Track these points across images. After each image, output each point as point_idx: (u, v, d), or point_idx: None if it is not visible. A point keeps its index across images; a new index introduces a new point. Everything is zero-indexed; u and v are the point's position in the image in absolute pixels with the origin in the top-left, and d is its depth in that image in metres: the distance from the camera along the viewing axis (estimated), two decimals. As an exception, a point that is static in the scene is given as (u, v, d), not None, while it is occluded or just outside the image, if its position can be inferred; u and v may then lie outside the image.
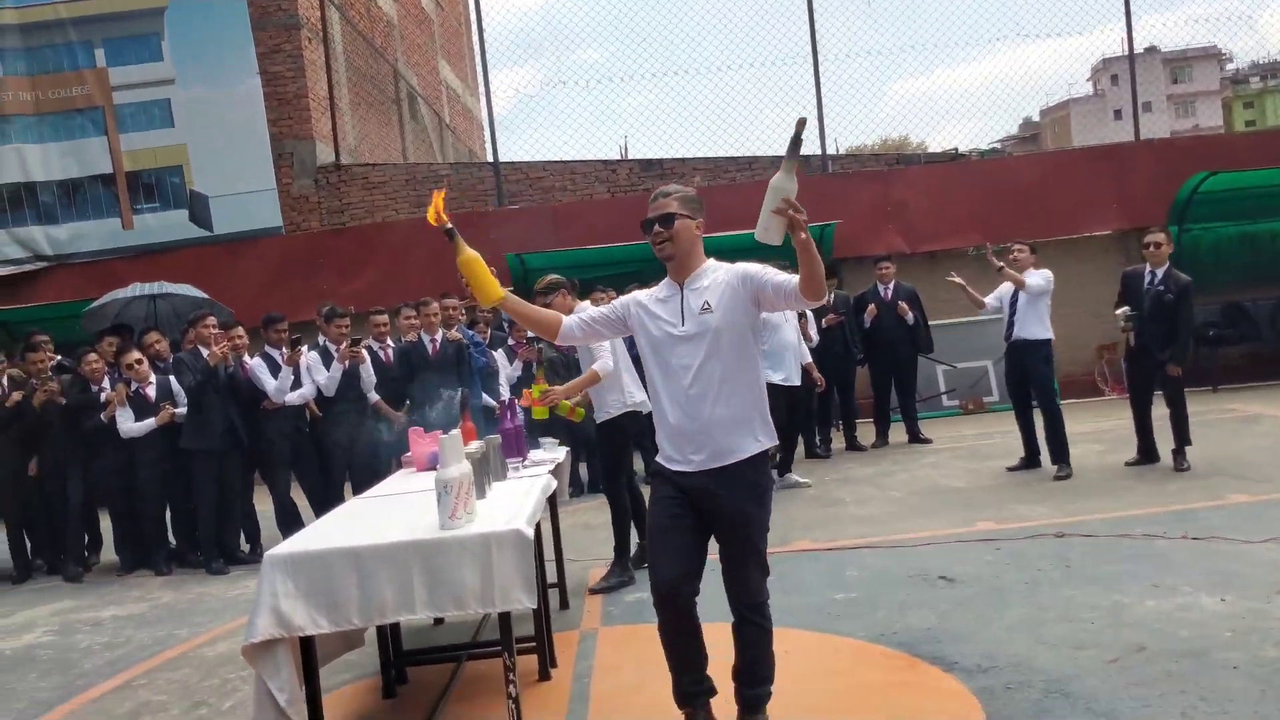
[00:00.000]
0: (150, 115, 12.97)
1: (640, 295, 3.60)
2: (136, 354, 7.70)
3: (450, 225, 3.59)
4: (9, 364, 8.13)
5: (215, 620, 5.91)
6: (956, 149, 14.25)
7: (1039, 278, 7.78)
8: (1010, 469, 8.08)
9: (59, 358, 8.44)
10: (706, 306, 3.41)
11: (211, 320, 7.90)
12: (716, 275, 3.52)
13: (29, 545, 8.01)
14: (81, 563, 7.76)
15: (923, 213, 12.72)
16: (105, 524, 8.02)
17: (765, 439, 3.36)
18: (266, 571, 3.35)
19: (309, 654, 3.46)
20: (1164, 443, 7.58)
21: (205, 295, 9.89)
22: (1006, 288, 7.99)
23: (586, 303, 5.70)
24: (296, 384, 7.66)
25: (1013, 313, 7.92)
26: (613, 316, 3.59)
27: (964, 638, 4.27)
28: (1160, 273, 7.38)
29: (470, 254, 3.57)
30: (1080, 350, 12.36)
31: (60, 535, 7.86)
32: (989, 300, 8.05)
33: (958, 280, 8.03)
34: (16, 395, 7.66)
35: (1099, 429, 9.78)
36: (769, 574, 3.48)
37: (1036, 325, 7.84)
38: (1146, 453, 7.71)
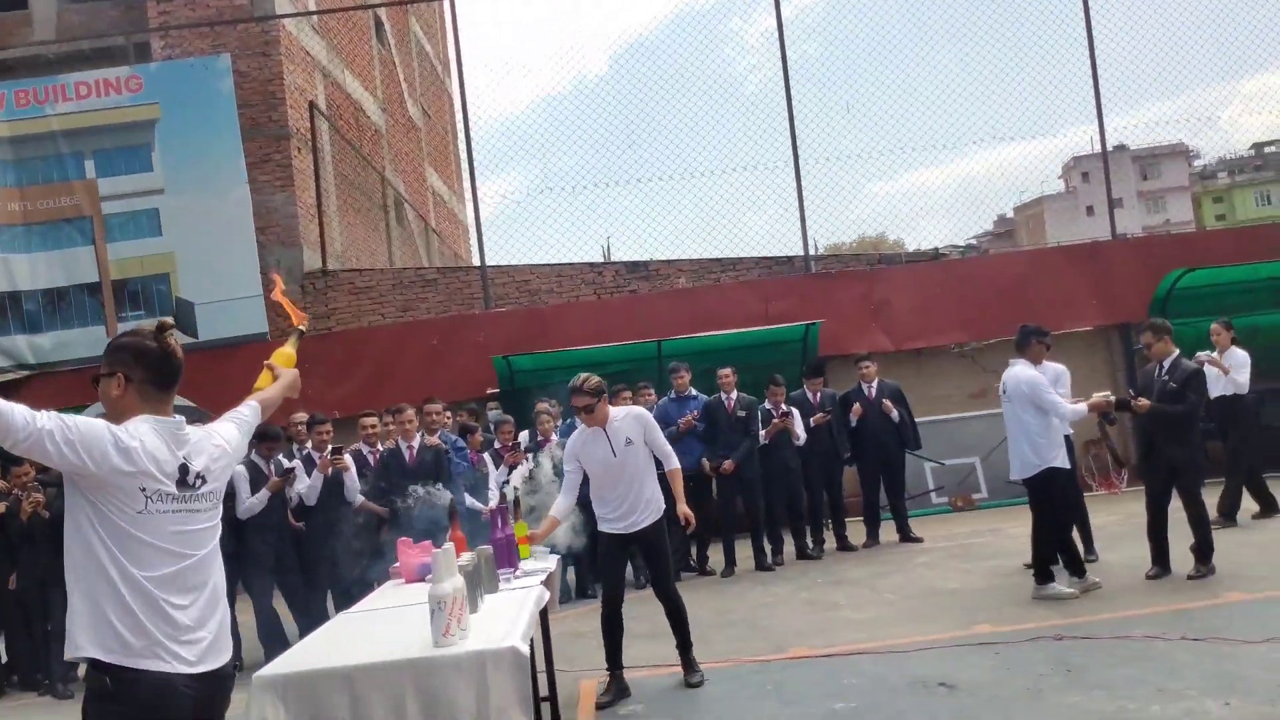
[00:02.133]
0: (139, 224, 13.06)
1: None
2: None
3: (301, 328, 3.95)
4: None
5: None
6: (937, 249, 14.49)
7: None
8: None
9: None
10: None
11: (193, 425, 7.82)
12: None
13: (5, 660, 7.80)
14: (66, 679, 7.54)
15: (906, 311, 12.87)
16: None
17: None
18: (256, 694, 3.27)
19: (297, 781, 3.34)
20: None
21: (191, 403, 9.82)
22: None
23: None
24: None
25: None
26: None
27: (969, 749, 4.17)
28: (1168, 363, 7.32)
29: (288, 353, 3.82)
30: (1066, 445, 12.38)
31: (40, 650, 7.64)
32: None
33: None
34: (0, 506, 7.55)
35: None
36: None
37: None
38: (1161, 560, 7.20)
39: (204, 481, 2.86)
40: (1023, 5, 23.12)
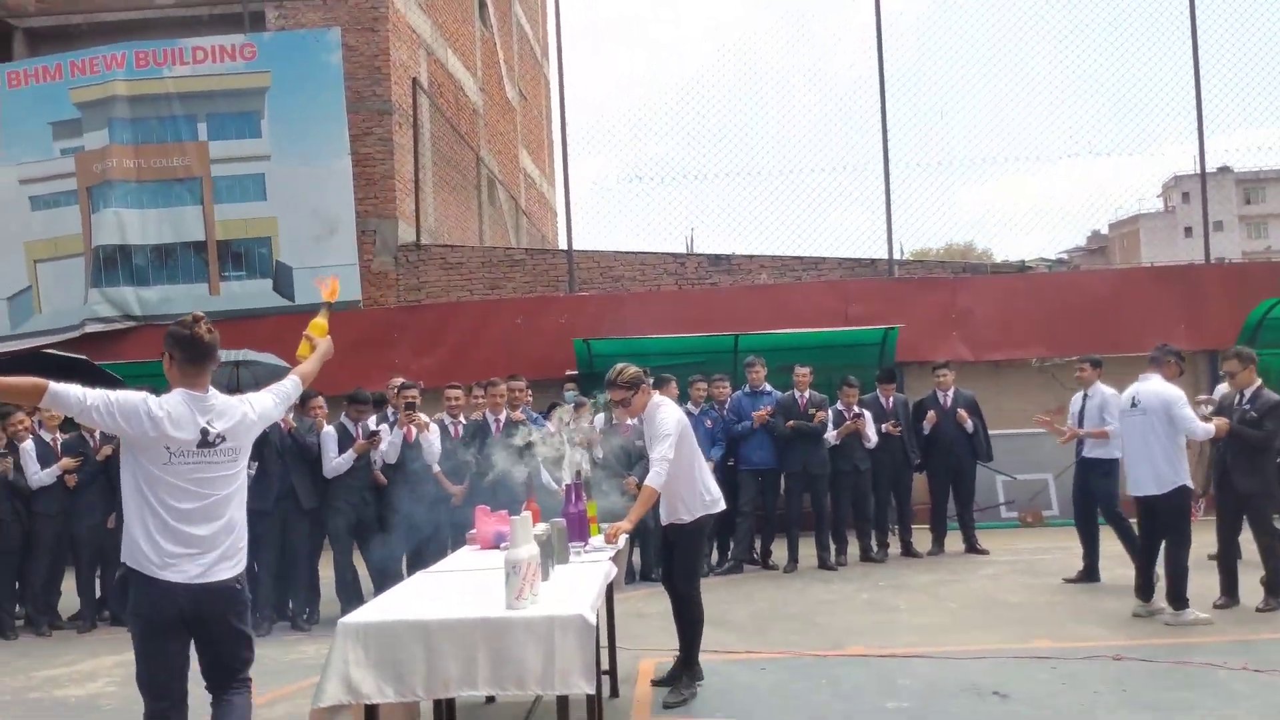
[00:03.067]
0: (245, 188, 13.58)
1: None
2: None
3: (331, 300, 4.58)
4: None
5: (274, 682, 6.01)
6: (1024, 260, 14.33)
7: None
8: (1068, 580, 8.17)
9: None
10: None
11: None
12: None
13: (99, 595, 8.27)
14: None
15: (987, 322, 12.78)
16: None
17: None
18: (340, 638, 3.49)
19: (372, 723, 3.57)
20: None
21: (286, 364, 10.23)
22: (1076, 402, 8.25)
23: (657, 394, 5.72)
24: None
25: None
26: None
27: (1016, 756, 4.25)
28: (1249, 393, 7.26)
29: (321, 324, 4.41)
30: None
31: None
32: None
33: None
34: (107, 449, 8.01)
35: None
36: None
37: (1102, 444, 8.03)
38: (1230, 590, 7.15)
39: (224, 440, 3.66)
40: (1126, 17, 22.58)
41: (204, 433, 3.60)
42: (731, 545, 9.73)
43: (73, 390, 3.46)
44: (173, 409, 3.57)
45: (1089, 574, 8.22)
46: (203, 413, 3.63)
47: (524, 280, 13.97)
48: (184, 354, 3.65)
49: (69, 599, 8.35)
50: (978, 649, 6.16)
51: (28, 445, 8.07)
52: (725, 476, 9.68)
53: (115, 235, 13.51)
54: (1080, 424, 8.27)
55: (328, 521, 7.97)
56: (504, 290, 13.85)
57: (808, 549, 9.59)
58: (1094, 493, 8.22)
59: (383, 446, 7.95)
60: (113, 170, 13.55)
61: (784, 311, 12.60)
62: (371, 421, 8.08)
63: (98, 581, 8.32)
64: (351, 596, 7.75)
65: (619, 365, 5.48)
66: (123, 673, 6.51)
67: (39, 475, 7.98)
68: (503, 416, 8.41)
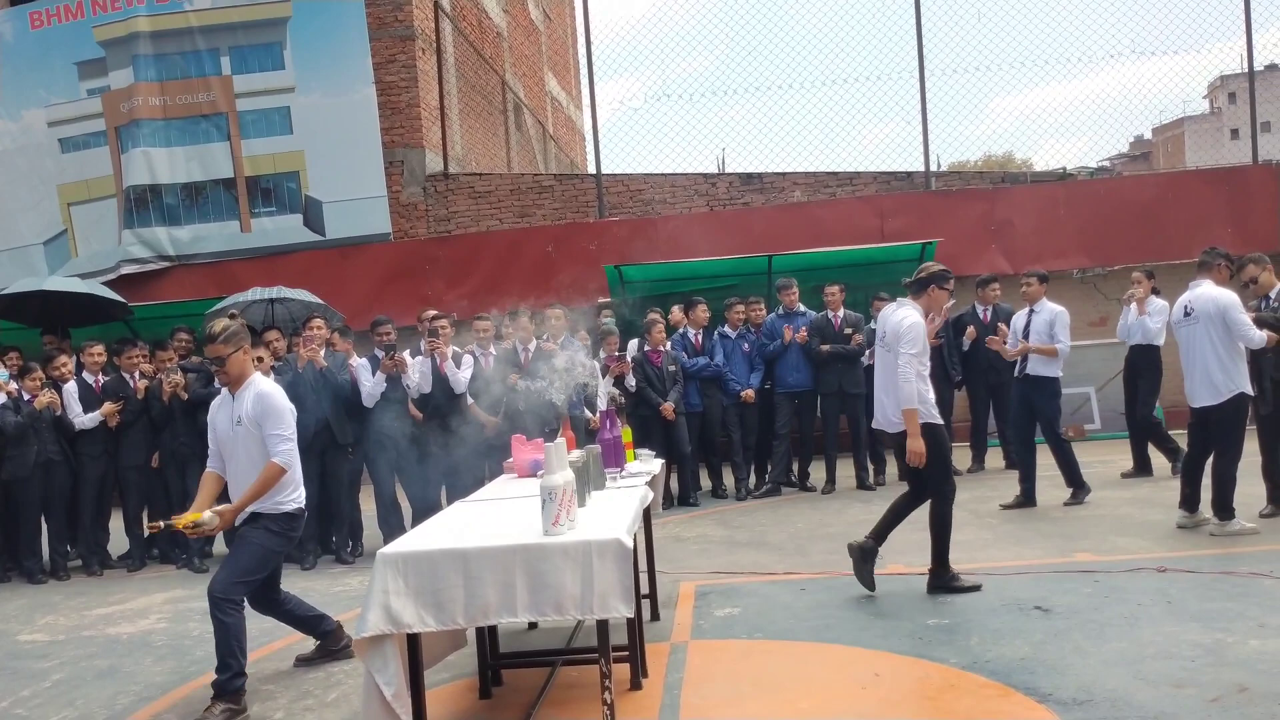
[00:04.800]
0: (270, 122, 13.50)
1: None
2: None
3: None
4: (143, 358, 8.56)
5: (320, 612, 6.13)
6: (1064, 168, 13.96)
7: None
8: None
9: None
10: None
11: (318, 323, 8.17)
12: None
13: (146, 535, 8.42)
14: (203, 554, 8.11)
15: (1028, 232, 12.52)
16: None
17: None
18: (379, 568, 3.51)
19: (415, 651, 3.60)
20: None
21: (320, 301, 10.25)
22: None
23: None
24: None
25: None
26: None
27: (1059, 670, 4.22)
28: (1274, 295, 7.09)
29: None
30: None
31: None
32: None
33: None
34: (143, 383, 8.12)
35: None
36: None
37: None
38: (1276, 499, 7.04)
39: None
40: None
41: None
42: (769, 468, 9.72)
43: (289, 472, 4.60)
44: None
45: (1027, 498, 8.03)
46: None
47: (553, 207, 13.85)
48: (252, 340, 4.62)
49: (118, 539, 8.53)
50: (1018, 564, 6.13)
51: (70, 387, 8.17)
52: (761, 398, 9.66)
53: (145, 175, 13.52)
54: (1027, 340, 8.13)
55: (366, 456, 8.04)
56: (533, 218, 13.74)
57: (845, 470, 9.56)
58: (1036, 412, 8.08)
59: (414, 376, 7.96)
60: (139, 109, 13.51)
61: (819, 230, 12.42)
62: (407, 355, 8.09)
63: (144, 520, 8.46)
64: (393, 529, 7.83)
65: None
66: (172, 609, 6.65)
67: (82, 419, 8.08)
68: (532, 346, 8.38)
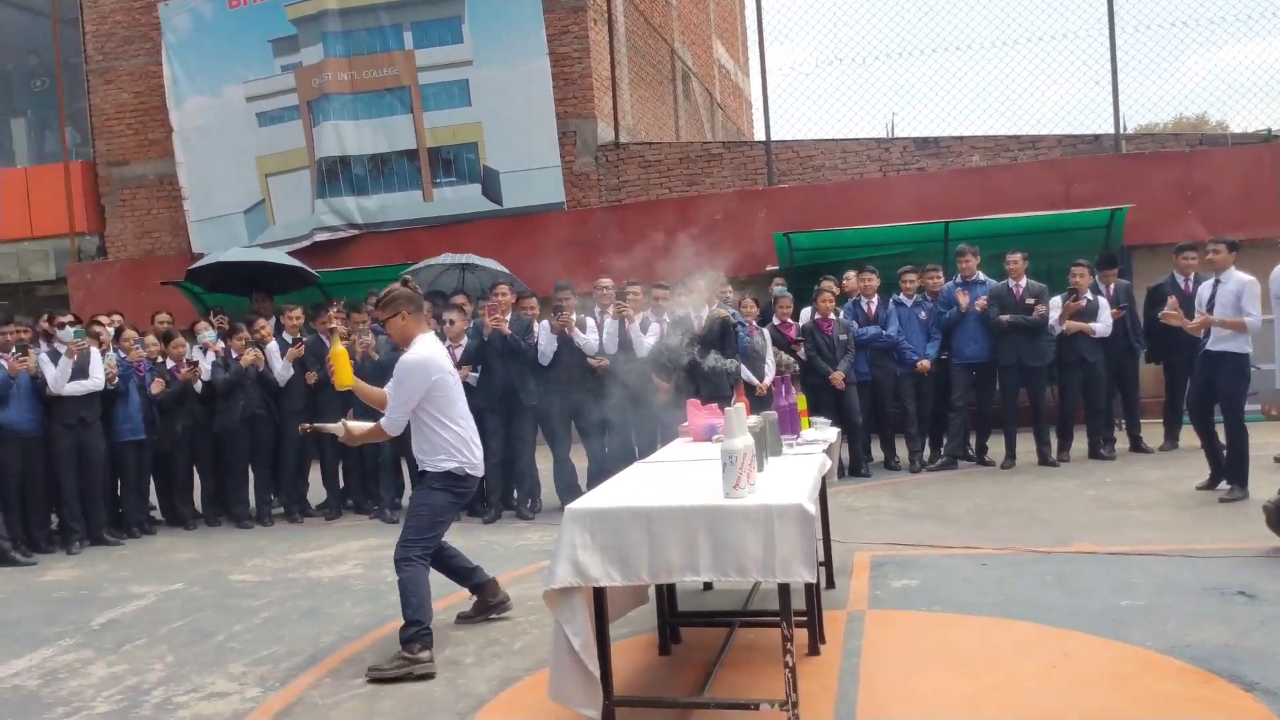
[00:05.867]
0: (450, 94, 13.94)
1: None
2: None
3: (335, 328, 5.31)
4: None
5: (503, 567, 6.36)
6: (1269, 129, 12.98)
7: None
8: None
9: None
10: None
11: (502, 289, 8.45)
12: None
13: (343, 485, 8.95)
14: (394, 505, 8.55)
15: (1228, 198, 11.71)
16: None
17: None
18: (567, 523, 3.62)
19: (601, 605, 3.71)
20: None
21: (505, 270, 10.57)
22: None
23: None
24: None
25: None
26: None
27: (1267, 658, 3.99)
28: None
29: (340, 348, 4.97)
30: None
31: (374, 480, 8.69)
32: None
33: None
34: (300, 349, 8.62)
35: None
36: None
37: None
38: None
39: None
40: None
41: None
42: (944, 440, 9.49)
43: (390, 426, 4.69)
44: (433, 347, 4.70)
45: (1218, 478, 7.45)
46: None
47: (722, 175, 13.81)
48: (413, 307, 4.72)
49: (317, 489, 9.07)
50: (1219, 547, 5.80)
51: (272, 346, 8.72)
52: (937, 369, 9.42)
53: (335, 147, 14.20)
54: (1211, 314, 7.34)
55: (546, 416, 8.28)
56: (702, 186, 13.74)
57: (1025, 445, 9.24)
58: (1218, 391, 7.33)
59: (588, 336, 8.14)
60: (329, 84, 14.17)
61: (998, 195, 11.96)
62: (589, 319, 8.30)
63: (340, 472, 8.97)
64: (571, 489, 8.05)
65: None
66: (367, 556, 7.04)
67: (281, 371, 8.62)
68: (704, 312, 8.41)
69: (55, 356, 7.72)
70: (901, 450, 9.55)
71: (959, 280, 9.46)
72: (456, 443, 4.72)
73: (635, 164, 14.02)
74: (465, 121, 13.90)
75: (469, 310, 8.61)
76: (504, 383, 8.03)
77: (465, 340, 8.17)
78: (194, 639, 5.22)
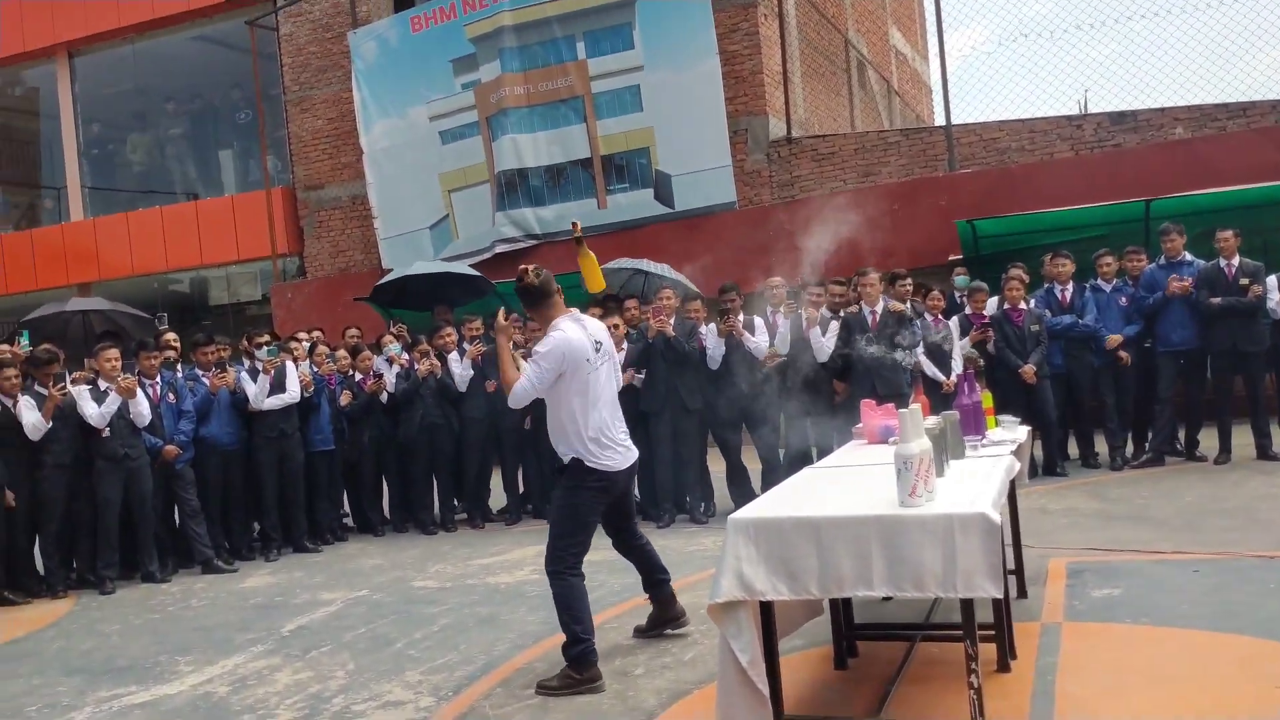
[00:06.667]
0: (622, 101, 14.05)
1: None
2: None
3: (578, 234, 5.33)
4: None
5: (675, 573, 6.17)
6: None
7: None
8: None
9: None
10: None
11: (667, 293, 8.40)
12: None
13: (523, 491, 9.12)
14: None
15: None
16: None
17: None
18: (730, 534, 3.49)
19: (768, 619, 3.56)
20: None
21: (677, 275, 10.52)
22: None
23: None
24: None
25: None
26: None
27: None
28: None
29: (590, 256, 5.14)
30: None
31: (545, 486, 8.81)
32: None
33: None
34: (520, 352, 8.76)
35: None
36: None
37: None
38: None
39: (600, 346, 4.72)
40: None
41: (596, 344, 4.69)
42: (1150, 435, 8.81)
43: (526, 390, 4.55)
44: (570, 331, 4.58)
45: None
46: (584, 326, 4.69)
47: (900, 164, 13.34)
48: (533, 298, 4.68)
49: (498, 495, 9.28)
50: None
51: (454, 355, 8.97)
52: (1140, 358, 8.77)
53: (513, 160, 14.54)
54: None
55: (717, 419, 8.17)
56: (879, 176, 13.32)
57: (1240, 438, 8.45)
58: None
59: (757, 339, 7.98)
60: (506, 99, 14.53)
61: (1204, 169, 11.04)
62: (756, 319, 8.15)
63: (520, 478, 9.14)
64: (744, 492, 7.92)
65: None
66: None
67: (461, 373, 8.84)
68: (878, 307, 8.11)
69: (254, 374, 8.19)
70: (1101, 446, 8.93)
71: (1163, 261, 8.76)
72: (584, 434, 4.54)
73: (808, 158, 13.72)
74: (637, 127, 13.96)
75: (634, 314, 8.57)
76: (669, 386, 7.99)
77: (626, 344, 8.16)
78: (375, 646, 5.38)
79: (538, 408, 8.55)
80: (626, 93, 14.00)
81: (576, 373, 4.52)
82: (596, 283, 5.08)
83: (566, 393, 4.53)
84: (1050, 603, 4.97)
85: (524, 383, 4.53)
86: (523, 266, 4.74)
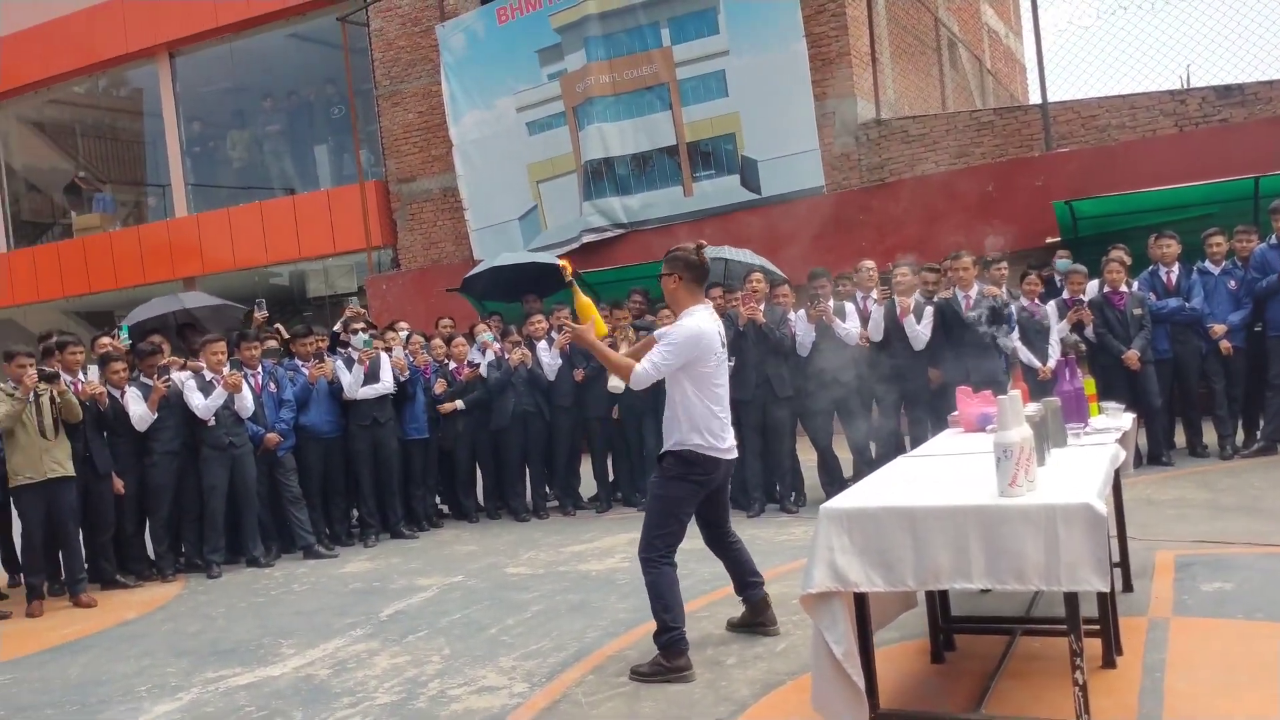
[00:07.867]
0: (707, 87, 13.94)
1: None
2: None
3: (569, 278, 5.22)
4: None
5: (765, 562, 6.16)
6: None
7: None
8: None
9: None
10: None
11: (756, 278, 8.35)
12: None
13: (612, 479, 9.17)
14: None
15: None
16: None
17: None
18: (823, 524, 3.44)
19: (863, 610, 3.51)
20: None
21: (760, 261, 10.43)
22: None
23: None
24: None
25: None
26: None
27: None
28: None
29: (585, 299, 4.91)
30: None
31: (642, 473, 8.83)
32: None
33: None
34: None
35: None
36: None
37: None
38: None
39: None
40: None
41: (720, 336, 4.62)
42: (1261, 423, 8.45)
43: (649, 373, 4.47)
44: (704, 323, 4.52)
45: None
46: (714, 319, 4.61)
47: (993, 144, 13.00)
48: (690, 273, 4.54)
49: (588, 482, 9.34)
50: None
51: (542, 345, 9.04)
52: (1250, 344, 8.41)
53: (599, 149, 14.56)
54: None
55: (807, 407, 8.09)
56: (971, 157, 12.99)
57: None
58: None
59: (848, 325, 7.87)
60: (592, 88, 14.55)
61: (1321, 144, 10.52)
62: (848, 305, 8.04)
63: (609, 466, 9.19)
64: (835, 481, 7.83)
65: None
66: (633, 550, 7.07)
67: (550, 362, 8.91)
68: (972, 292, 7.91)
69: (350, 363, 8.37)
70: (1210, 435, 8.59)
71: (1274, 241, 8.39)
72: (700, 423, 4.51)
73: (898, 140, 13.46)
74: (722, 113, 13.84)
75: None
76: (759, 373, 7.92)
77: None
78: (470, 631, 5.47)
79: (623, 403, 8.68)
80: (712, 78, 13.88)
81: (703, 363, 4.51)
82: (599, 327, 4.85)
83: (687, 381, 4.52)
84: (1158, 597, 4.81)
85: (647, 366, 4.47)
86: (699, 242, 4.62)
